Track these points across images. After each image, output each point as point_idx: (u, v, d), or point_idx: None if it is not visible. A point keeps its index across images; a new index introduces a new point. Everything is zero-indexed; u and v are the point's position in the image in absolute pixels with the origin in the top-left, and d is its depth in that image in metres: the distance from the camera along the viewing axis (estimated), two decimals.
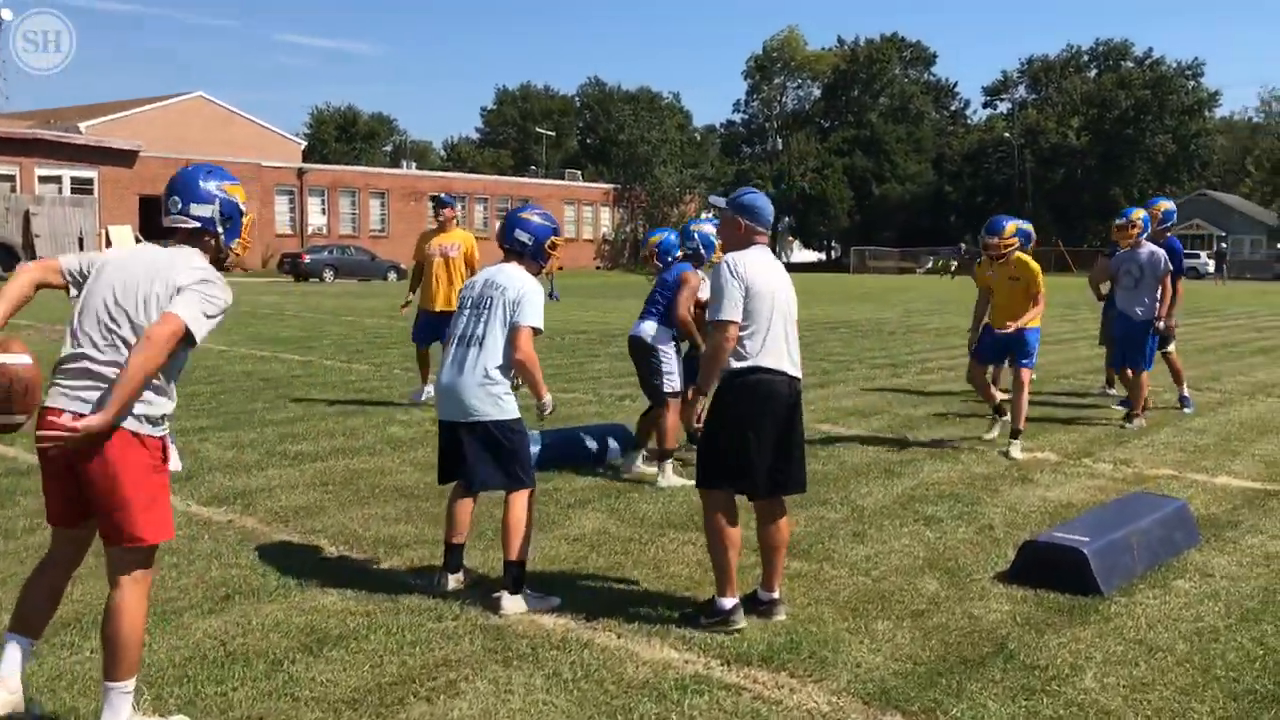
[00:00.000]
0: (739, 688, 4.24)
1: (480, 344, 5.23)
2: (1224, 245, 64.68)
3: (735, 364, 4.84)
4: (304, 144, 71.41)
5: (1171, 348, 10.68)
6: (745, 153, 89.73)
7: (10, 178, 40.86)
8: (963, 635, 4.81)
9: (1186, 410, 10.72)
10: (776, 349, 4.84)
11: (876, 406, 11.14)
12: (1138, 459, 8.61)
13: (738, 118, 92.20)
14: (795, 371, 4.91)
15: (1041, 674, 4.41)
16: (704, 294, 7.96)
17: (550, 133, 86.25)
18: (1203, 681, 4.37)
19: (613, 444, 8.27)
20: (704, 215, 9.77)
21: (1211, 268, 59.98)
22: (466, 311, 5.37)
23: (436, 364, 10.00)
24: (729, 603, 4.84)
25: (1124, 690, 4.28)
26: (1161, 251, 9.87)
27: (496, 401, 5.18)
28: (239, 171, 47.32)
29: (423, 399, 10.53)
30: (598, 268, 61.86)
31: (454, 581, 5.36)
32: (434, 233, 10.78)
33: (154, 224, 45.68)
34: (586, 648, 4.60)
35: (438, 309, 10.53)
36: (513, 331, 5.18)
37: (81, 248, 37.62)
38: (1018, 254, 8.81)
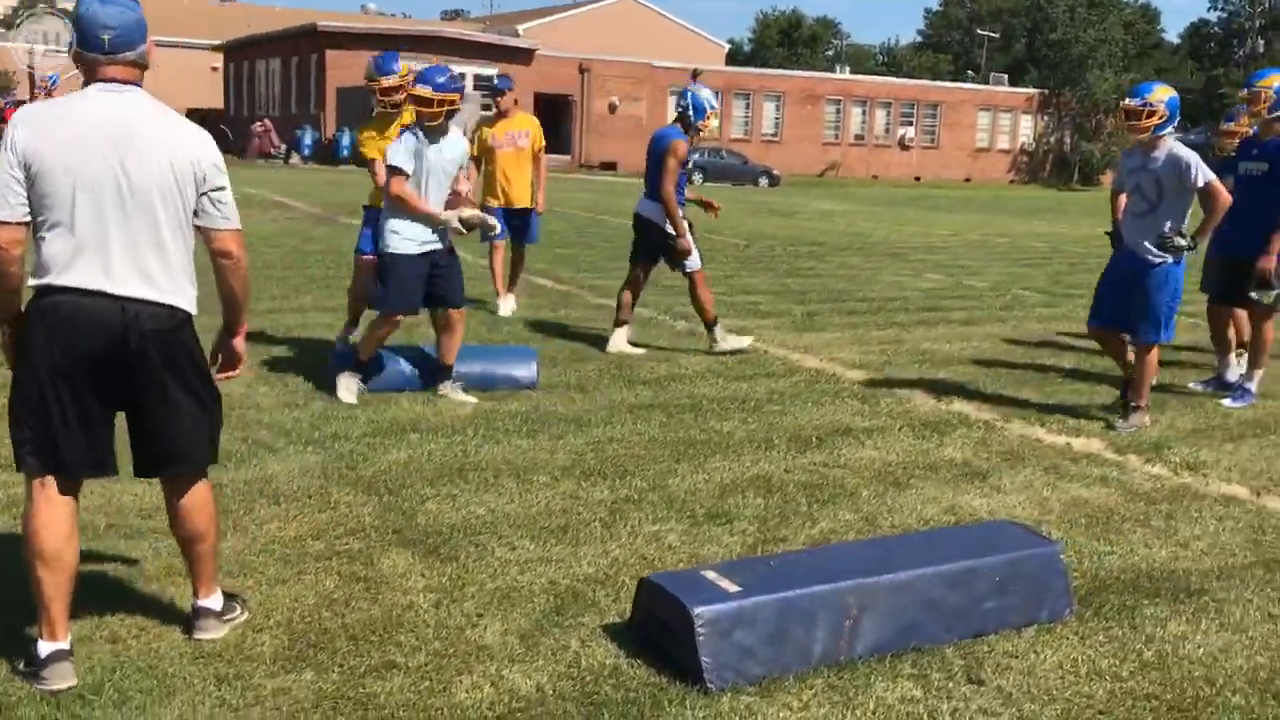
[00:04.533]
0: None
1: None
2: None
3: (31, 281, 3.15)
4: (727, 47, 71.20)
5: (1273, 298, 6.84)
6: (1218, 57, 78.55)
7: None
8: None
9: (1230, 404, 6.95)
10: (88, 255, 3.07)
11: (957, 351, 8.49)
12: (1224, 464, 5.72)
13: (1213, 17, 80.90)
14: (141, 289, 3.12)
15: None
16: None
17: (993, 35, 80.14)
18: None
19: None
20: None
21: None
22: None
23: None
24: (45, 648, 3.13)
25: None
26: (1188, 153, 6.02)
27: None
28: (629, 71, 48.29)
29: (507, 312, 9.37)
30: (1011, 181, 56.67)
31: None
32: (495, 119, 9.37)
33: (549, 120, 47.47)
34: None
35: (510, 205, 9.25)
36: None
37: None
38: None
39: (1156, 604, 3.96)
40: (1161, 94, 6.00)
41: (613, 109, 47.91)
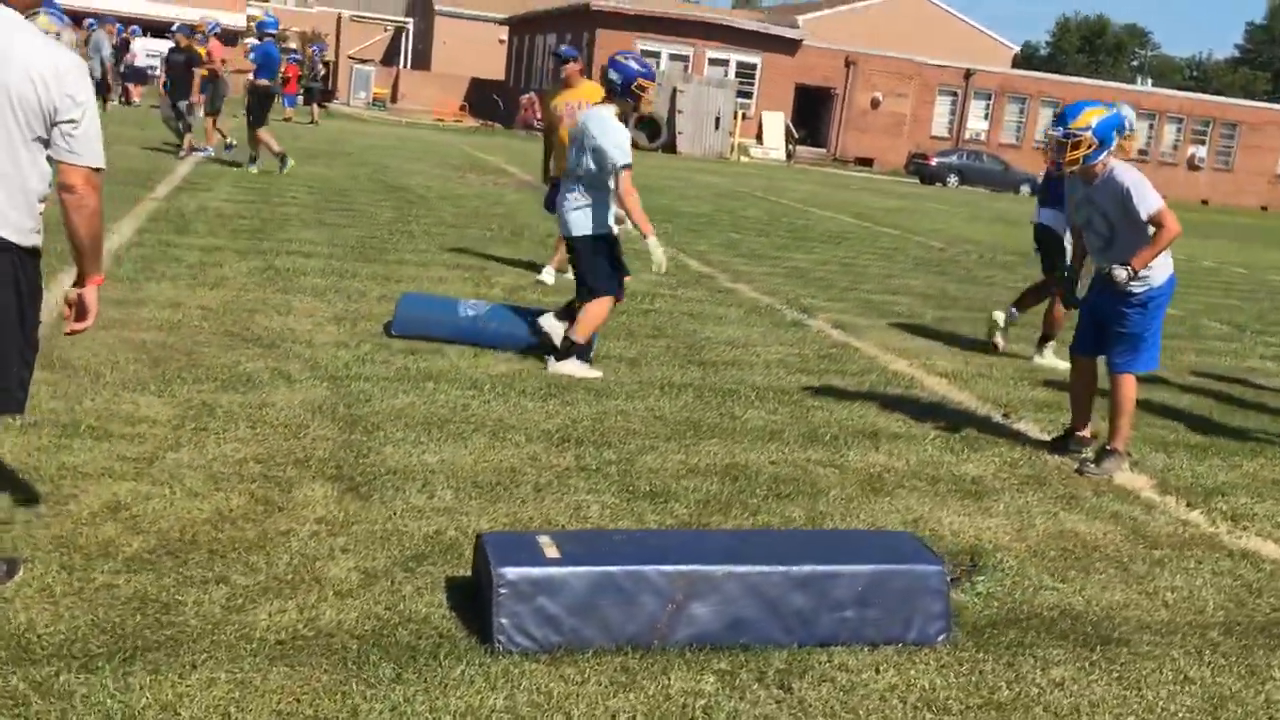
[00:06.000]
0: None
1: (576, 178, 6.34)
2: None
3: None
4: (1016, 50, 68.25)
5: None
6: None
7: (685, 58, 44.19)
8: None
9: None
10: None
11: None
12: (1259, 510, 5.12)
13: None
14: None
15: None
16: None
17: None
18: None
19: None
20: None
21: None
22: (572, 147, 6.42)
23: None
24: None
25: None
26: (1131, 178, 5.26)
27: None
28: (897, 68, 47.17)
29: (551, 281, 9.40)
30: None
31: None
32: (558, 89, 9.38)
33: (808, 112, 47.11)
34: None
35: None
36: (613, 175, 6.15)
37: (717, 127, 39.87)
38: None
39: (1059, 647, 3.61)
40: (1088, 118, 5.18)
41: (875, 104, 46.98)
